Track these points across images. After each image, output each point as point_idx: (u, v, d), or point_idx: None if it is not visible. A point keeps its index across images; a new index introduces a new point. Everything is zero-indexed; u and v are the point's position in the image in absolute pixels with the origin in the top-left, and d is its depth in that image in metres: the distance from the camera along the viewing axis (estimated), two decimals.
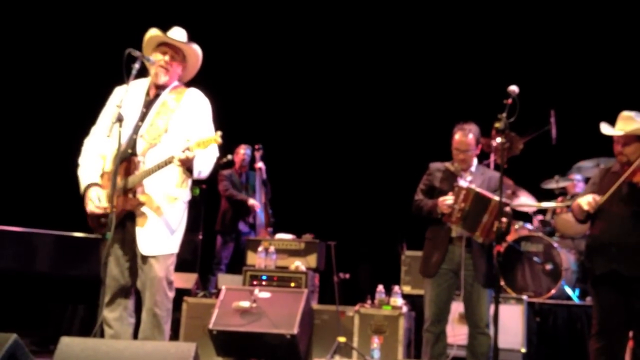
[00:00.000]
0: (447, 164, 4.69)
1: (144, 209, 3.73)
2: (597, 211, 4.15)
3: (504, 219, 4.13)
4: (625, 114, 4.25)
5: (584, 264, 4.40)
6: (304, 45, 8.91)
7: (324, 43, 8.90)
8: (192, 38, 3.98)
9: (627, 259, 4.05)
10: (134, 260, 3.78)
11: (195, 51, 3.95)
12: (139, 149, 3.78)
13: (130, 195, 3.73)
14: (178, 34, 3.95)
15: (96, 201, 3.74)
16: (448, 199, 4.40)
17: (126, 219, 3.75)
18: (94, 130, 3.96)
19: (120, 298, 3.80)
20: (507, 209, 4.33)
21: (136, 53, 3.68)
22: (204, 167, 3.76)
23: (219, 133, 3.60)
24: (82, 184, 3.85)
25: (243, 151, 7.83)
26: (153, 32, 3.92)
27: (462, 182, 4.51)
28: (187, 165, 3.64)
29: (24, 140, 8.63)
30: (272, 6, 8.95)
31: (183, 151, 3.55)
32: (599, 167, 6.15)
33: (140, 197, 3.73)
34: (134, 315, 3.87)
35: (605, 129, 4.27)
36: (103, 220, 3.75)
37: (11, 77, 8.54)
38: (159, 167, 3.67)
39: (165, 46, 3.90)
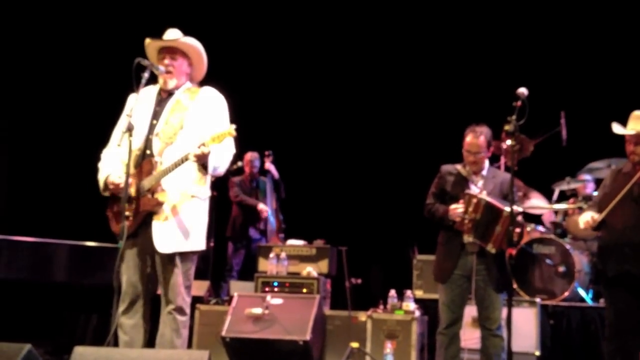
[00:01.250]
0: (459, 167, 4.66)
1: (162, 208, 3.72)
2: (608, 213, 4.13)
3: (517, 230, 4.14)
4: (637, 113, 4.25)
5: (596, 266, 4.39)
6: (315, 51, 8.92)
7: (334, 49, 8.91)
8: (203, 45, 3.97)
9: None
10: (153, 267, 3.78)
11: (189, 43, 3.92)
12: (155, 149, 3.78)
13: (149, 196, 3.72)
14: (170, 34, 3.95)
15: (118, 179, 3.74)
16: (459, 208, 4.38)
17: (146, 223, 3.73)
18: (112, 140, 3.98)
19: (138, 305, 3.80)
20: (519, 218, 4.30)
21: (145, 62, 3.70)
22: (219, 163, 3.74)
23: (233, 126, 3.58)
24: (102, 178, 3.87)
25: (252, 158, 7.85)
26: (146, 43, 3.94)
27: (474, 189, 4.49)
28: (202, 161, 3.63)
29: (39, 151, 8.69)
30: (282, 13, 8.98)
31: (198, 147, 3.55)
32: (611, 167, 6.11)
33: (159, 197, 3.72)
34: (149, 322, 3.88)
35: (617, 128, 4.26)
36: (126, 222, 3.75)
37: (27, 87, 8.61)
38: (176, 165, 3.66)
39: (162, 52, 3.92)
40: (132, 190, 3.72)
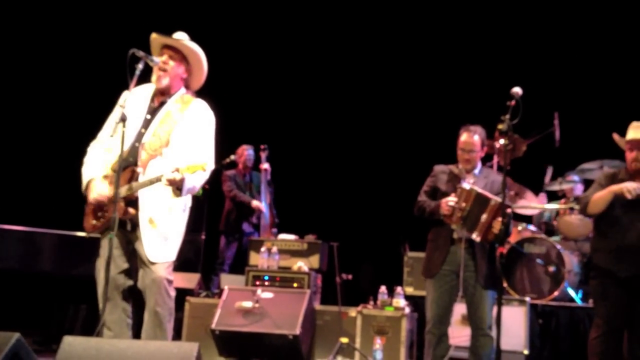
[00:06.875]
0: (452, 167, 4.69)
1: (141, 217, 3.74)
2: (614, 218, 4.20)
3: (500, 219, 4.17)
4: (636, 123, 4.34)
5: (587, 265, 4.41)
6: (309, 47, 8.92)
7: (328, 44, 8.90)
8: (196, 39, 3.97)
9: None
10: (132, 261, 3.81)
11: (192, 48, 3.92)
12: (140, 159, 3.79)
13: (124, 205, 3.74)
14: (178, 36, 3.96)
15: (99, 189, 3.76)
16: (451, 200, 4.40)
17: (121, 223, 3.74)
18: (100, 134, 3.97)
19: (118, 300, 3.81)
20: (508, 210, 4.32)
21: (140, 53, 3.67)
22: (193, 185, 3.76)
23: (207, 163, 3.64)
24: (85, 179, 3.87)
25: (246, 152, 7.83)
26: (152, 37, 3.94)
27: (465, 184, 4.51)
28: (174, 186, 3.67)
29: (28, 140, 8.64)
30: (278, 7, 8.96)
31: (172, 172, 3.59)
32: (603, 169, 6.14)
33: (132, 209, 3.74)
34: (132, 316, 3.88)
35: (631, 134, 4.33)
36: (95, 222, 3.80)
37: (16, 77, 8.56)
38: (150, 182, 3.70)
39: (163, 49, 3.92)
40: (110, 193, 3.74)
